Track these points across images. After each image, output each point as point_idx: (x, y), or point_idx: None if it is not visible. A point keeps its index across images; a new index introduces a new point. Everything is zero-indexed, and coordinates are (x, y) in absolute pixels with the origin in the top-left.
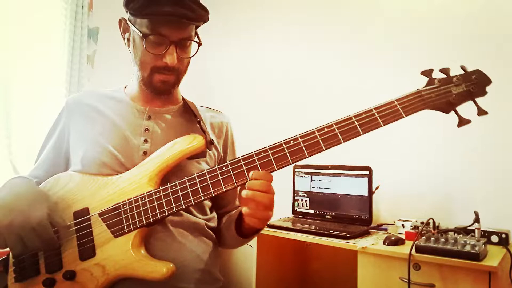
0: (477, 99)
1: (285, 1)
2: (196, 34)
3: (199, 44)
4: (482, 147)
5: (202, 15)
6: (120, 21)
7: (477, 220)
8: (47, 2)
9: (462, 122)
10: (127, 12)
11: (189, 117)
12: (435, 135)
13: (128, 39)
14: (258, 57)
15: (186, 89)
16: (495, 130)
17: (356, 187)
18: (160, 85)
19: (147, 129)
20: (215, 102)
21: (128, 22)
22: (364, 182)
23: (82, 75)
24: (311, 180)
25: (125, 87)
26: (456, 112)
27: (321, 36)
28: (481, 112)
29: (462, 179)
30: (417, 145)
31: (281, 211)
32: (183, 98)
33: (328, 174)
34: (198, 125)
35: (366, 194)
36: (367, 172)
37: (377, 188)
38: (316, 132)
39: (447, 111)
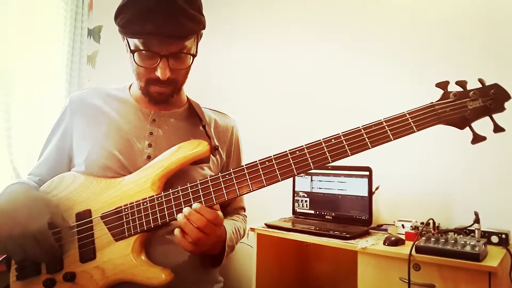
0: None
1: (290, 2)
2: (196, 40)
3: (193, 56)
4: (482, 147)
5: (193, 29)
6: None
7: (477, 220)
8: (47, 2)
9: (477, 139)
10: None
11: (194, 120)
12: (435, 135)
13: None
14: (260, 58)
15: (189, 90)
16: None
17: (356, 187)
18: (157, 96)
19: (151, 133)
20: (215, 101)
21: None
22: (364, 183)
23: (82, 75)
24: (311, 180)
25: (130, 86)
26: (471, 128)
27: (325, 37)
28: (498, 129)
29: (462, 180)
30: (417, 145)
31: (281, 211)
32: (188, 100)
33: (328, 175)
34: (203, 129)
35: (366, 195)
36: (367, 173)
37: (377, 188)
38: (323, 143)
39: (461, 127)
